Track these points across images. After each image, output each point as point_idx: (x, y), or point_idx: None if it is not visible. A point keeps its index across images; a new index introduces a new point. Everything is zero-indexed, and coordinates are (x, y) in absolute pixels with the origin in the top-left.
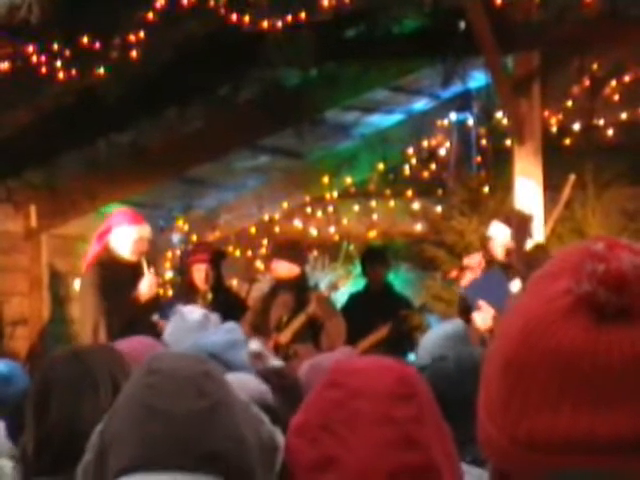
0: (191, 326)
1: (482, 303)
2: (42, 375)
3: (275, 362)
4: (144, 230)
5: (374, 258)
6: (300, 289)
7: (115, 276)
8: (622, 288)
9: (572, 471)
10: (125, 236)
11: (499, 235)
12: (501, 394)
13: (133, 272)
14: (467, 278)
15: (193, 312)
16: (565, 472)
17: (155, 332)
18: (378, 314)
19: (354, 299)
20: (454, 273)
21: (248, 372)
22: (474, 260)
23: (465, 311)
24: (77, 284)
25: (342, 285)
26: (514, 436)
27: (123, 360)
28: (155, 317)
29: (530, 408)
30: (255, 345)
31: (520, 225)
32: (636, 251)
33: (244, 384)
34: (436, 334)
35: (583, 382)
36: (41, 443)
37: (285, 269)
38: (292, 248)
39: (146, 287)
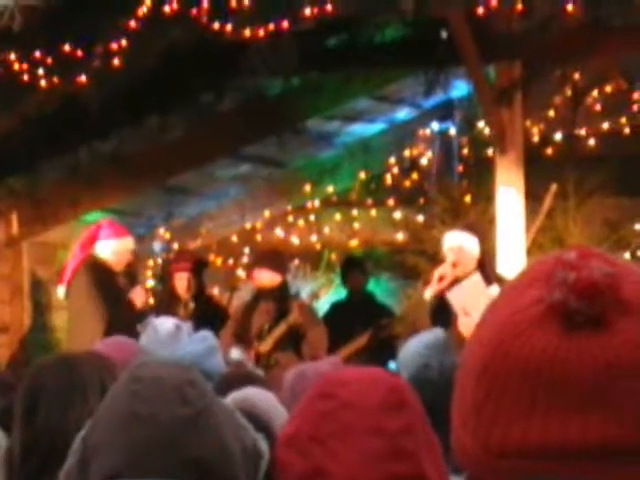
0: (163, 338)
1: (468, 309)
2: (31, 380)
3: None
4: (128, 242)
5: (353, 267)
6: (281, 298)
7: (104, 279)
8: (593, 296)
9: (544, 478)
10: (109, 248)
11: (467, 244)
12: (474, 402)
13: (119, 279)
14: (437, 286)
15: (165, 323)
16: (537, 478)
17: None
18: (359, 323)
19: (336, 308)
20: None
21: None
22: (447, 269)
23: (439, 318)
24: (60, 291)
25: (323, 294)
26: (487, 443)
27: (114, 368)
28: (139, 327)
29: (502, 415)
30: (236, 354)
31: (483, 233)
32: (608, 260)
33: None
34: (416, 344)
35: (554, 389)
36: (28, 448)
37: (267, 278)
38: (273, 257)
39: (139, 296)
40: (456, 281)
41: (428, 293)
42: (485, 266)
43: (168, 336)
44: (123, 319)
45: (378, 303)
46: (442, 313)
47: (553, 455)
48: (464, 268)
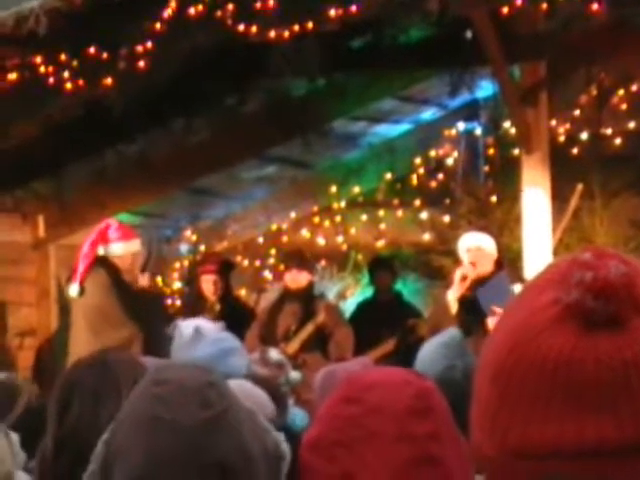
0: (184, 341)
1: (496, 309)
2: (67, 377)
3: (293, 372)
4: (133, 245)
5: (381, 266)
6: (308, 299)
7: (117, 278)
8: (610, 296)
9: (560, 477)
10: (116, 251)
11: (485, 244)
12: (491, 403)
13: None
14: (457, 289)
15: (188, 326)
16: (554, 478)
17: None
18: (386, 323)
19: (362, 308)
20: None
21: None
22: (469, 270)
23: (464, 319)
24: (73, 290)
25: (350, 295)
26: (504, 444)
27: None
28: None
29: (519, 416)
30: (275, 355)
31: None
32: (623, 260)
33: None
34: (434, 345)
35: (571, 389)
36: (60, 444)
37: (299, 279)
38: (302, 257)
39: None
40: (476, 281)
41: (451, 295)
42: (504, 265)
43: (189, 339)
44: (143, 317)
45: (405, 303)
46: (470, 314)
47: (570, 455)
48: (483, 268)
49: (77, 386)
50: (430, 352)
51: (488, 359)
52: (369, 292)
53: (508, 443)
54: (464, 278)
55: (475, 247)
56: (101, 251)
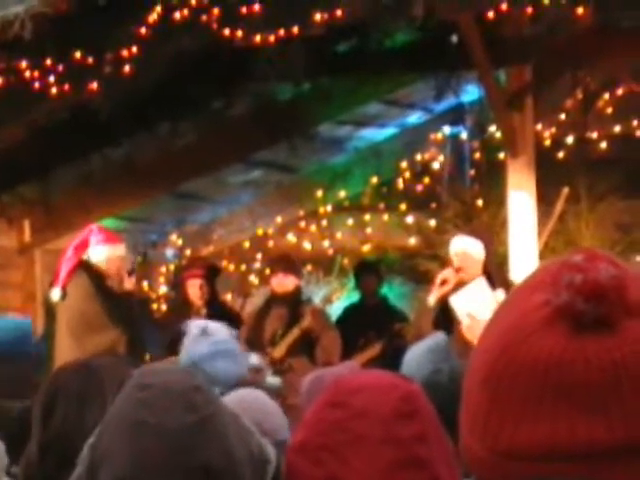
0: (187, 340)
1: (472, 314)
2: (52, 381)
3: (271, 377)
4: (119, 249)
5: (367, 270)
6: (294, 303)
7: (100, 282)
8: (600, 298)
9: (552, 478)
10: (99, 255)
11: (472, 249)
12: (481, 406)
13: (111, 284)
14: (439, 291)
15: (197, 326)
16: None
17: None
18: (373, 327)
19: (349, 312)
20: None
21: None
22: (450, 273)
23: (442, 322)
24: (55, 294)
25: (336, 299)
26: (495, 446)
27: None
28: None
29: (510, 418)
30: (255, 360)
31: (488, 238)
32: (614, 262)
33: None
34: (420, 349)
35: (561, 391)
36: (45, 448)
37: (285, 283)
38: (288, 261)
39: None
40: (461, 285)
41: (432, 298)
42: (490, 271)
43: (192, 338)
44: (126, 321)
45: (391, 307)
46: (445, 318)
47: (561, 456)
48: (469, 273)
49: (61, 390)
50: (416, 356)
51: (478, 361)
52: (355, 296)
53: (500, 444)
54: (444, 282)
55: (461, 251)
56: (86, 255)
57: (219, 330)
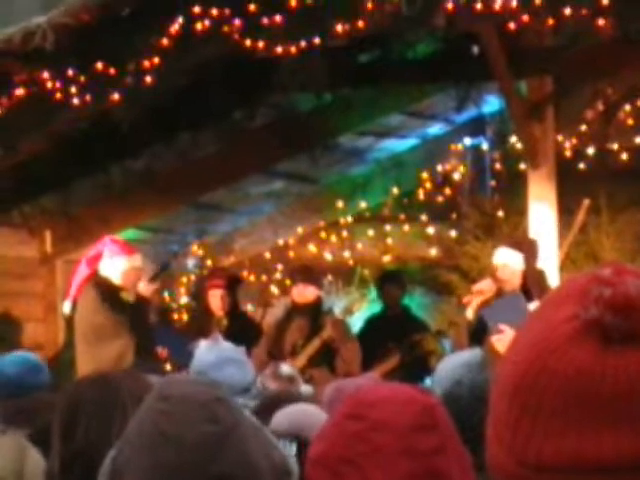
0: (199, 351)
1: (503, 327)
2: (71, 396)
3: (304, 386)
4: (134, 260)
5: (390, 280)
6: (315, 314)
7: (111, 296)
8: (629, 312)
9: None
10: (115, 267)
11: (512, 261)
12: (509, 418)
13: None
14: (476, 303)
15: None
16: None
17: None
18: (396, 337)
19: (371, 322)
20: (466, 299)
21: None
22: (486, 285)
23: (477, 335)
24: (66, 307)
25: (356, 309)
26: (522, 458)
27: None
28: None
29: (538, 431)
30: (287, 369)
31: (530, 249)
32: None
33: None
34: (453, 361)
35: (590, 405)
36: (66, 463)
37: (305, 293)
38: (309, 271)
39: (147, 290)
40: (500, 295)
41: (470, 312)
42: (528, 283)
43: (201, 350)
44: (137, 328)
45: (414, 317)
46: (480, 331)
47: (588, 470)
48: (509, 284)
49: (81, 406)
50: (447, 368)
51: (506, 373)
52: (376, 307)
53: (528, 457)
54: (479, 292)
55: (502, 264)
56: (101, 267)
57: (228, 344)
